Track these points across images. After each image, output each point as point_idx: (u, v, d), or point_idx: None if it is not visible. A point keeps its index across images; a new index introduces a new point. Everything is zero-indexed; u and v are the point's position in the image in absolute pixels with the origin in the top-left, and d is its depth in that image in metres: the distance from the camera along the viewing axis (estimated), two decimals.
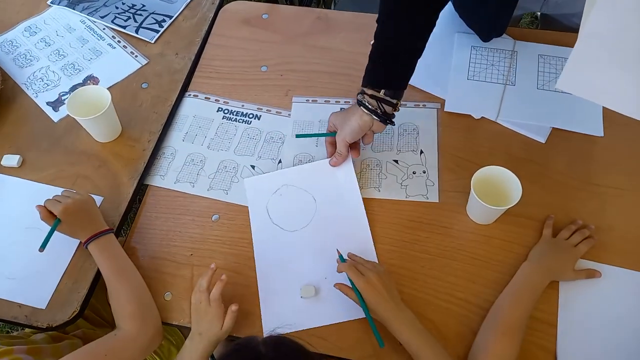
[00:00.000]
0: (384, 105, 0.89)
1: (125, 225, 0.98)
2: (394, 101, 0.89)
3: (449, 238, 0.91)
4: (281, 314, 0.85)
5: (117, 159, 1.03)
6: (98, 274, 0.89)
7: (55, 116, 1.09)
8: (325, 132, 0.99)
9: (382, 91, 0.88)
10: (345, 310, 0.84)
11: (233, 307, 0.78)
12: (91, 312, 1.01)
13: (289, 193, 0.97)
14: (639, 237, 0.89)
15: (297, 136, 1.02)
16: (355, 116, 0.90)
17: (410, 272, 0.86)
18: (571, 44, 1.13)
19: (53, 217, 0.86)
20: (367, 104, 0.89)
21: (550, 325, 0.82)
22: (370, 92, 0.89)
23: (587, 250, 0.86)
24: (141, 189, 1.01)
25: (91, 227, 0.87)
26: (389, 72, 0.90)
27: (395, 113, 0.92)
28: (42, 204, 0.87)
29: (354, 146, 0.97)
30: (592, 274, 0.84)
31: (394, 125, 0.93)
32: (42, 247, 0.85)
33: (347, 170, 0.97)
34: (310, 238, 0.92)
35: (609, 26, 0.50)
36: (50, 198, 0.89)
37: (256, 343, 0.62)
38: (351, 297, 0.80)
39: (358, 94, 0.90)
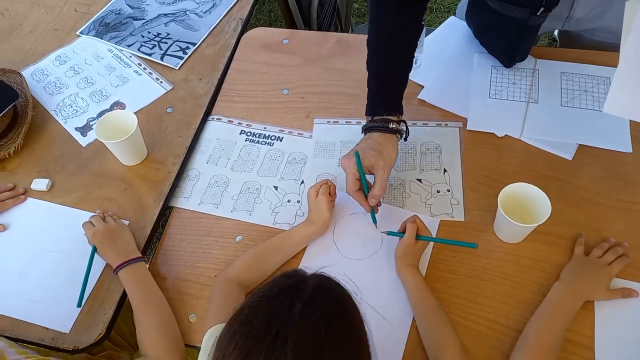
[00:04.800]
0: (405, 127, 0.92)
1: (150, 246, 0.98)
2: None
3: (476, 257, 0.89)
4: None
5: (142, 181, 1.04)
6: (124, 296, 0.90)
7: (83, 141, 1.12)
8: (353, 177, 0.89)
9: (399, 115, 0.91)
10: None
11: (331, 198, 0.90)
12: (116, 334, 1.01)
13: (362, 221, 0.95)
14: None
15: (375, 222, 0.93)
16: (391, 147, 0.89)
17: (437, 292, 0.84)
18: (593, 62, 1.13)
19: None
20: (401, 130, 0.90)
21: (587, 348, 0.78)
22: (394, 118, 0.90)
23: (621, 269, 0.83)
24: (166, 211, 1.02)
25: (122, 254, 0.88)
26: (400, 95, 0.92)
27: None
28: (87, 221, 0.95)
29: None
30: (628, 294, 0.81)
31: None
32: (84, 283, 0.90)
33: None
34: (362, 272, 0.89)
35: None
36: (92, 217, 0.95)
37: (308, 274, 0.59)
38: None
39: (378, 122, 0.89)
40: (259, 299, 0.56)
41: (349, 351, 0.53)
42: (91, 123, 1.15)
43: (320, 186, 0.91)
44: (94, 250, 0.91)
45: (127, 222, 0.98)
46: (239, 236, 0.96)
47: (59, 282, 0.92)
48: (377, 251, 0.92)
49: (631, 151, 0.98)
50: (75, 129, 1.14)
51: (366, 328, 0.58)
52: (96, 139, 1.09)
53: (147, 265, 0.94)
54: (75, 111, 1.18)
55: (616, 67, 1.16)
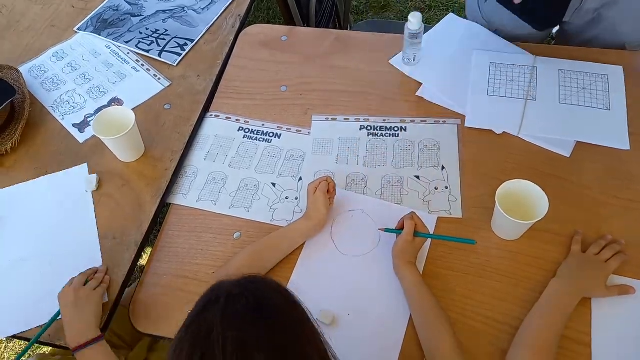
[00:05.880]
0: None
1: (148, 243, 0.98)
2: None
3: (474, 254, 0.89)
4: None
5: (140, 178, 1.04)
6: (119, 297, 0.90)
7: (80, 137, 1.12)
8: None
9: None
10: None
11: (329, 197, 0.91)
12: (111, 333, 1.01)
13: (360, 218, 0.95)
14: None
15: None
16: None
17: (434, 290, 0.84)
18: (591, 59, 1.13)
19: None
20: None
21: (585, 345, 0.79)
22: None
23: (618, 266, 0.83)
24: (164, 207, 1.02)
25: (77, 329, 0.81)
26: None
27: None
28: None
29: None
30: (625, 291, 0.81)
31: None
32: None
33: None
34: (359, 269, 0.89)
35: None
36: (80, 274, 0.88)
37: (228, 283, 0.60)
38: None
39: None
40: (180, 333, 0.56)
41: (280, 345, 0.54)
42: (89, 119, 1.14)
43: (320, 183, 0.91)
44: (57, 314, 0.86)
45: (106, 298, 0.89)
46: (237, 233, 0.96)
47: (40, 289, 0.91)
48: (375, 248, 0.92)
49: (629, 148, 0.98)
50: (73, 125, 1.14)
51: (305, 311, 0.59)
52: (94, 136, 1.09)
53: (144, 264, 0.94)
54: (72, 107, 1.17)
55: (615, 64, 1.15)
